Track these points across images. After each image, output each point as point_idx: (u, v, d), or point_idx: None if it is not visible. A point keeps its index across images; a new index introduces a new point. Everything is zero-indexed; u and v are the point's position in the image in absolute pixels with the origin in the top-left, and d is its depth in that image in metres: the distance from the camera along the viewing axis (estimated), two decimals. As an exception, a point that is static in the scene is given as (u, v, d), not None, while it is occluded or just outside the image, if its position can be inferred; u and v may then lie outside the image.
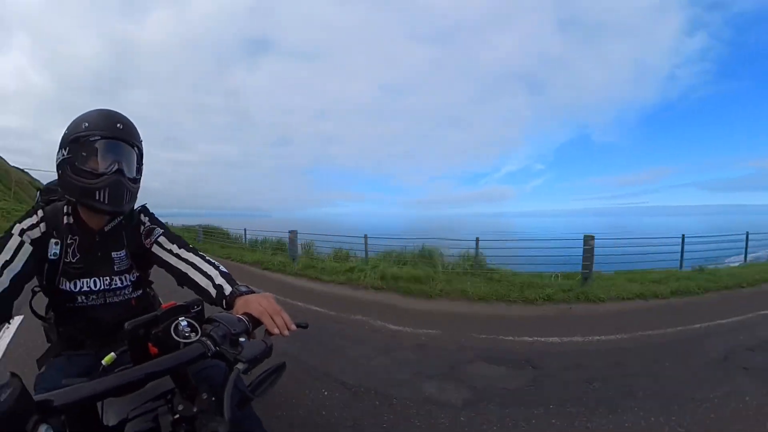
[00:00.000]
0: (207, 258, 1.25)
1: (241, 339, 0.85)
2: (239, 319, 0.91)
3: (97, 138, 1.11)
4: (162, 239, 1.31)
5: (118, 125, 1.15)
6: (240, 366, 0.79)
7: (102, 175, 1.12)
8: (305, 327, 1.09)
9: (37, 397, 0.62)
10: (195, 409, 0.83)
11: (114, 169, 1.13)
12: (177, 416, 0.83)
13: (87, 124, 1.12)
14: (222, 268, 1.20)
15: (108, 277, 1.28)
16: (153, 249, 1.30)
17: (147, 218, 1.37)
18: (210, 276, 1.17)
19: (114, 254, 1.29)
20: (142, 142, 1.24)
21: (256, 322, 0.96)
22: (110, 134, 1.13)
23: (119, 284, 1.30)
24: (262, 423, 1.27)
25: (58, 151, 1.15)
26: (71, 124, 1.16)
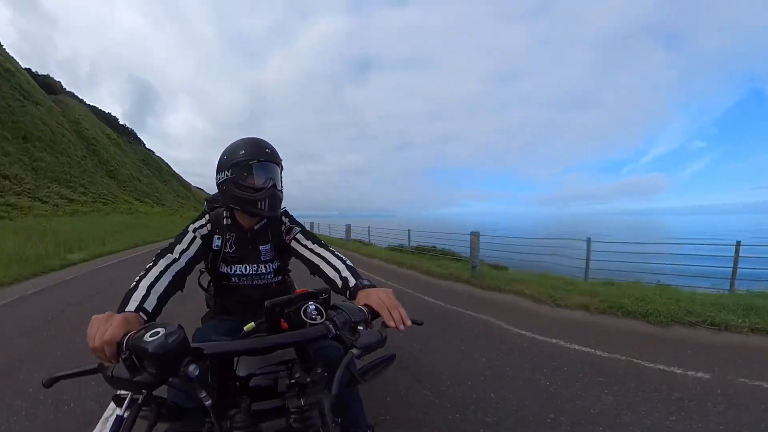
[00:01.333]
0: (336, 253, 1.48)
1: (359, 327, 0.96)
2: (360, 310, 1.02)
3: (253, 161, 1.42)
4: (299, 236, 1.60)
5: (267, 150, 1.45)
6: (354, 351, 0.90)
7: (261, 189, 1.43)
8: (420, 324, 1.16)
9: (192, 345, 0.81)
10: (309, 379, 0.97)
11: (270, 185, 1.44)
12: (293, 381, 0.99)
13: (243, 152, 1.42)
14: (348, 262, 1.41)
15: (255, 264, 1.61)
16: (292, 244, 1.59)
17: (287, 219, 1.67)
18: (338, 269, 1.39)
19: (261, 247, 1.62)
20: (282, 160, 1.53)
21: (374, 313, 1.06)
22: (262, 158, 1.43)
23: (263, 270, 1.63)
24: (363, 406, 1.36)
25: (220, 172, 1.48)
26: (227, 150, 1.47)
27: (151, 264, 1.27)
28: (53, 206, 31.62)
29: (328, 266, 1.43)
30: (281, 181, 1.51)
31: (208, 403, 0.80)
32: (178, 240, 1.44)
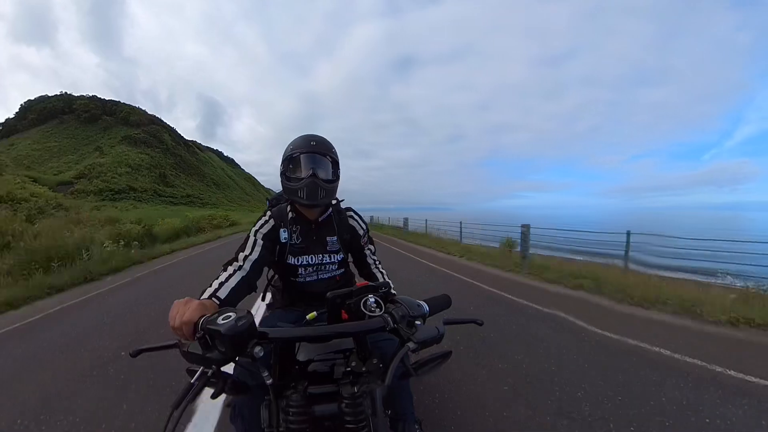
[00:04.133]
0: (380, 263, 1.76)
1: (417, 322, 0.97)
2: (419, 305, 1.04)
3: (297, 154, 1.50)
4: (371, 247, 1.78)
5: (312, 142, 1.50)
6: (410, 345, 0.92)
7: (302, 179, 1.48)
8: (480, 324, 1.19)
9: (259, 329, 0.89)
10: (364, 369, 1.01)
11: (309, 174, 1.47)
12: (348, 369, 1.03)
13: (293, 146, 1.51)
14: (386, 275, 1.68)
15: (321, 255, 1.66)
16: (365, 250, 1.76)
17: (357, 218, 1.77)
18: (376, 276, 1.68)
19: (327, 238, 1.67)
20: (337, 153, 1.58)
21: (433, 310, 1.08)
22: (306, 150, 1.49)
23: (328, 260, 1.67)
24: (413, 400, 1.37)
25: (280, 168, 1.57)
26: (286, 148, 1.56)
27: (219, 273, 1.39)
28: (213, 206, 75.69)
29: (376, 270, 1.71)
30: (332, 173, 1.55)
31: (269, 381, 0.89)
32: (242, 247, 1.52)
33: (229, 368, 0.91)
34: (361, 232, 1.73)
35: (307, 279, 1.66)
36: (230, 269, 1.40)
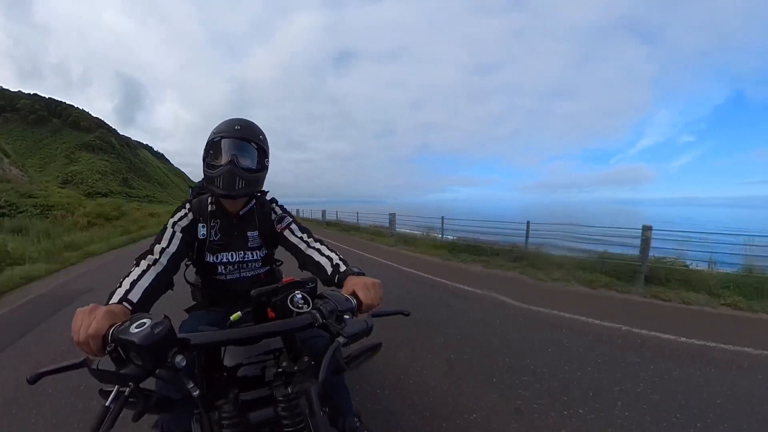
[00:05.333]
0: (330, 246, 1.45)
1: (346, 316, 0.96)
2: (346, 299, 1.02)
3: (219, 138, 1.38)
4: (294, 227, 1.56)
5: (236, 126, 1.39)
6: (340, 339, 0.90)
7: (220, 166, 1.36)
8: (407, 315, 1.20)
9: (179, 335, 0.80)
10: (296, 368, 0.98)
11: (227, 161, 1.36)
12: (280, 370, 0.99)
13: (216, 130, 1.39)
14: (341, 255, 1.39)
15: (242, 252, 1.54)
16: (285, 233, 1.54)
17: (277, 207, 1.62)
18: (330, 258, 1.37)
19: (249, 233, 1.55)
20: (266, 141, 1.46)
21: (361, 303, 1.07)
22: (229, 134, 1.38)
23: (250, 257, 1.56)
24: (350, 394, 1.39)
25: (203, 153, 1.44)
26: (211, 132, 1.43)
27: (131, 269, 1.20)
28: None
29: (321, 256, 1.40)
30: (257, 162, 1.44)
31: (196, 393, 0.80)
32: (158, 239, 1.37)
33: (149, 383, 0.81)
34: (287, 221, 1.56)
35: (229, 277, 1.55)
36: (144, 264, 1.23)
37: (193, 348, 0.83)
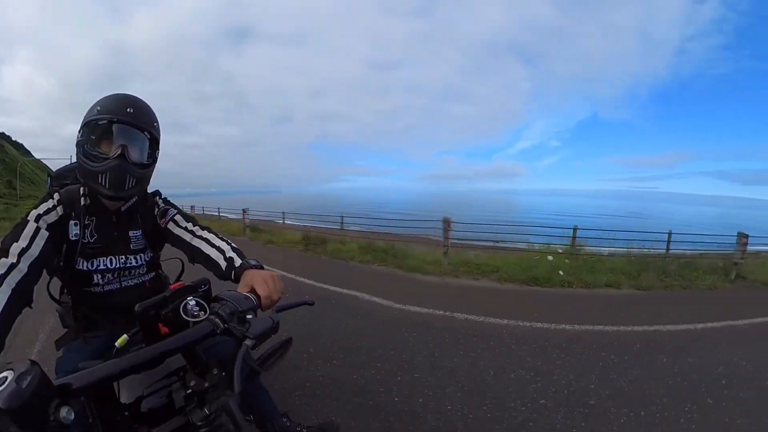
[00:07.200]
0: (220, 235, 1.30)
1: (248, 316, 0.87)
2: (246, 297, 0.93)
3: (105, 122, 1.11)
4: (178, 218, 1.36)
5: (129, 109, 1.13)
6: (248, 342, 0.81)
7: (107, 159, 1.12)
8: (311, 304, 1.14)
9: (57, 382, 0.64)
10: (206, 384, 0.87)
11: (117, 154, 1.12)
12: (189, 391, 0.87)
13: (99, 108, 1.12)
14: (233, 244, 1.24)
15: (123, 256, 1.30)
16: (168, 227, 1.34)
17: (161, 200, 1.42)
18: (222, 250, 1.21)
19: (131, 233, 1.32)
20: (158, 128, 1.23)
21: (262, 299, 0.98)
22: (118, 118, 1.12)
23: (134, 263, 1.33)
24: (271, 395, 1.33)
25: (78, 135, 1.16)
26: (91, 108, 1.15)
27: None
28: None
29: (211, 248, 1.23)
30: (148, 155, 1.22)
31: None
32: (15, 236, 1.05)
33: None
34: (171, 214, 1.36)
35: (107, 288, 1.28)
36: None
37: (80, 393, 0.67)
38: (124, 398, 0.93)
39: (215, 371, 0.89)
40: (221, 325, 0.82)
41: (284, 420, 1.30)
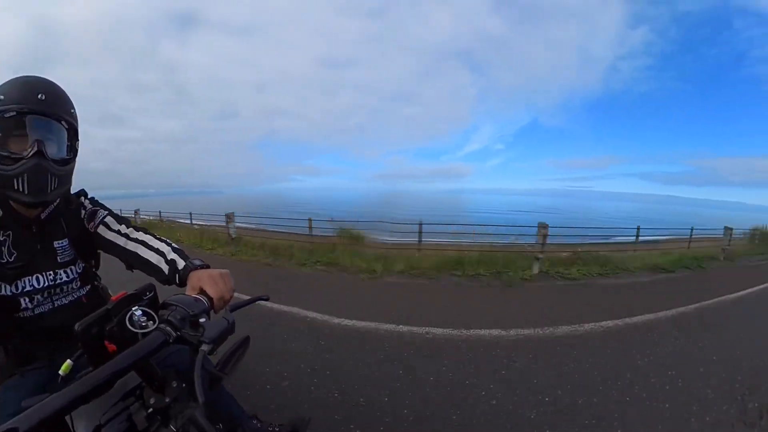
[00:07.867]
0: (157, 236, 1.17)
1: (201, 319, 0.81)
2: (196, 299, 0.87)
3: (12, 113, 0.93)
4: (108, 219, 1.22)
5: (40, 96, 0.95)
6: (204, 347, 0.76)
7: (21, 159, 0.95)
8: (266, 299, 1.10)
9: (1, 428, 0.58)
10: (167, 399, 0.82)
11: (32, 152, 0.95)
12: (150, 410, 0.82)
13: (5, 96, 0.94)
14: (174, 244, 1.14)
15: (52, 272, 1.14)
16: (99, 231, 1.20)
17: (87, 202, 1.27)
18: (162, 252, 1.10)
19: (56, 243, 1.16)
20: (76, 115, 1.07)
21: (213, 299, 0.92)
22: (29, 108, 0.94)
23: (65, 278, 1.18)
24: (236, 400, 1.30)
25: None
26: None
27: None
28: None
29: (149, 251, 1.11)
30: (68, 148, 1.05)
31: None
32: None
33: None
34: (101, 215, 1.21)
35: (37, 311, 1.12)
36: None
37: None
38: (81, 431, 0.86)
39: (174, 384, 0.84)
40: (173, 333, 0.77)
41: (254, 422, 1.27)
